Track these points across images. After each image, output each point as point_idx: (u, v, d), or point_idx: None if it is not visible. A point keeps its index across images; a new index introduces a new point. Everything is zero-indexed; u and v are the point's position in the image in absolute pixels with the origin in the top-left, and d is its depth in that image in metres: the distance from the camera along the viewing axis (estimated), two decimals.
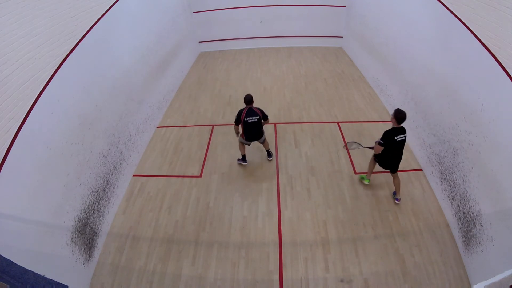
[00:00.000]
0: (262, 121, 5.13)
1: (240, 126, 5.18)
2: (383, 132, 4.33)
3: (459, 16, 4.15)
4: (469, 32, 3.91)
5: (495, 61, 3.45)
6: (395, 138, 4.24)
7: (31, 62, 3.24)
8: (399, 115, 4.17)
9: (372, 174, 5.07)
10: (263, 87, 8.17)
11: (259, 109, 5.07)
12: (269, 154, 5.71)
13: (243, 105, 5.09)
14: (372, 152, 4.84)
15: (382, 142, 4.30)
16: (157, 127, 6.82)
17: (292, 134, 6.37)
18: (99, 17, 4.59)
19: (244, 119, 4.97)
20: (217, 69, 9.49)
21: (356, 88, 7.93)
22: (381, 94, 7.34)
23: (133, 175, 5.53)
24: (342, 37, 10.33)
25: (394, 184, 4.73)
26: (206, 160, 5.81)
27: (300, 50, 10.43)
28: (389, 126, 4.43)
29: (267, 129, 6.53)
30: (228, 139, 6.31)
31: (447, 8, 4.41)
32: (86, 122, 4.17)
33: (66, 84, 3.77)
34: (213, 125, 6.78)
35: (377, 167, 4.77)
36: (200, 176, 5.48)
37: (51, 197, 3.48)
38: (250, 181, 5.31)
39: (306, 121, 6.73)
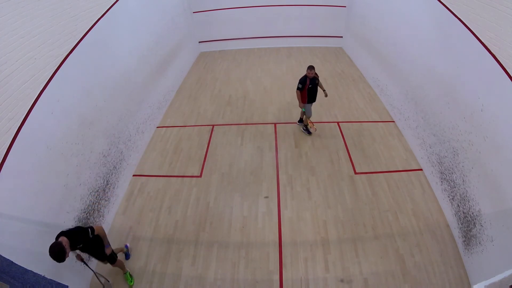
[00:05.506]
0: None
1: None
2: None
3: (459, 16, 4.15)
4: (469, 32, 3.91)
5: (495, 61, 3.45)
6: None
7: (31, 62, 3.24)
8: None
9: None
10: (263, 87, 8.16)
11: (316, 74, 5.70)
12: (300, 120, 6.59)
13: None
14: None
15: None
16: (157, 127, 6.82)
17: (292, 134, 6.37)
18: (99, 17, 4.59)
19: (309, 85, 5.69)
20: (217, 69, 9.48)
21: (356, 88, 7.92)
22: (381, 94, 7.34)
23: (133, 175, 5.53)
24: (342, 37, 10.33)
25: None
26: (206, 160, 5.81)
27: (300, 50, 10.43)
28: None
29: (267, 128, 6.55)
30: (228, 139, 6.31)
31: (447, 8, 4.41)
32: (86, 122, 4.17)
33: (66, 84, 3.77)
34: (213, 125, 6.77)
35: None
36: (200, 176, 5.48)
37: (51, 197, 3.48)
38: (250, 181, 5.31)
39: None
